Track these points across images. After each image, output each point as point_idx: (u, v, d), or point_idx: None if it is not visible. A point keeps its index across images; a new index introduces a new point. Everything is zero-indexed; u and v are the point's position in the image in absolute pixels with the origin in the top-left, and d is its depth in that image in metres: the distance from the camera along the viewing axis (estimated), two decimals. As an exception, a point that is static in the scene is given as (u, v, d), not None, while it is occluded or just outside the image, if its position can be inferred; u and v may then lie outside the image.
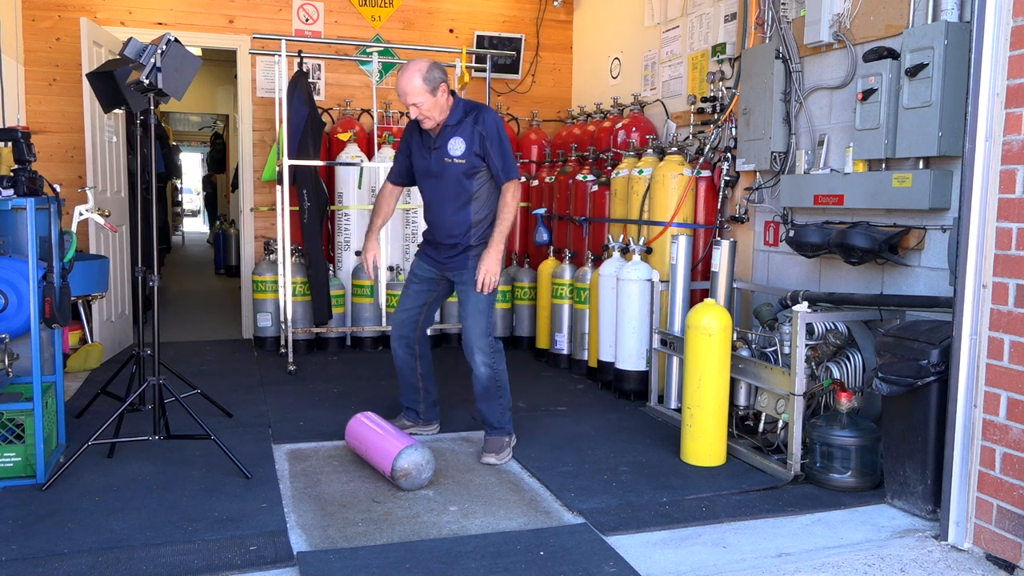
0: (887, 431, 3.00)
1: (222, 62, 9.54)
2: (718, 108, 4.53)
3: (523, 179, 6.08)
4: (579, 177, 5.34)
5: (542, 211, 5.33)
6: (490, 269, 3.42)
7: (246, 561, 2.48)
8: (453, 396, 4.35)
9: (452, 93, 3.48)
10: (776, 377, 3.29)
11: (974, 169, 2.59)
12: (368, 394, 4.46)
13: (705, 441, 3.40)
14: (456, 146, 3.44)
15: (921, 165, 3.20)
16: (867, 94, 3.31)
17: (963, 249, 2.63)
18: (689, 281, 4.17)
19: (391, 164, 3.78)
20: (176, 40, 3.27)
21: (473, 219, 3.50)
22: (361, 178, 5.68)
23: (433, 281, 3.70)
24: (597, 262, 4.88)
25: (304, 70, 5.42)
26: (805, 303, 3.30)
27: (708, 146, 4.51)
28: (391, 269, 5.67)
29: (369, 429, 3.36)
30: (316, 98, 5.83)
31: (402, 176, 3.70)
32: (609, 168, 5.17)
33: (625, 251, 4.50)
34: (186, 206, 20.19)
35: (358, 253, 5.74)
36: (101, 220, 3.82)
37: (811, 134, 3.84)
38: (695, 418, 3.40)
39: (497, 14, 6.58)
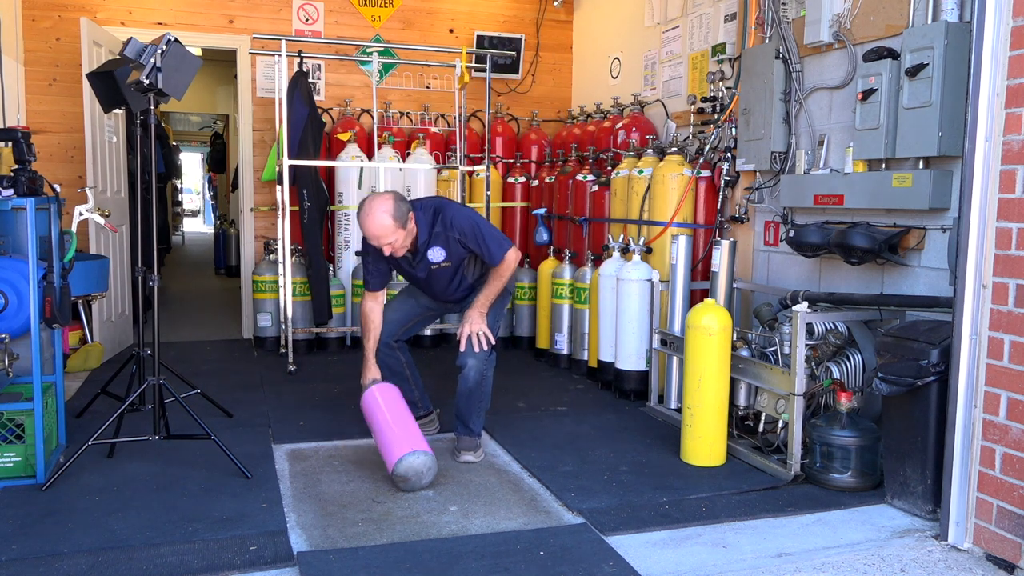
0: (887, 431, 3.00)
1: (222, 62, 9.53)
2: (718, 108, 4.53)
3: (522, 180, 6.09)
4: (579, 177, 5.34)
5: (542, 211, 5.33)
6: (474, 327, 3.38)
7: (246, 561, 2.48)
8: (453, 396, 4.35)
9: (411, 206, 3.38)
10: (776, 377, 3.29)
11: (974, 169, 2.59)
12: (368, 394, 4.46)
13: (705, 441, 3.40)
14: (437, 254, 3.43)
15: (921, 165, 3.20)
16: (867, 94, 3.31)
17: (963, 249, 2.63)
18: (689, 281, 4.17)
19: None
20: (176, 40, 3.27)
21: (473, 284, 3.57)
22: (361, 178, 5.68)
23: (431, 309, 3.76)
24: (597, 262, 4.87)
25: (304, 70, 5.43)
26: (805, 303, 3.30)
27: (708, 146, 4.51)
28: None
29: (380, 413, 3.30)
30: (316, 98, 5.83)
31: (384, 280, 3.61)
32: (609, 168, 5.17)
33: (625, 251, 4.50)
34: (186, 206, 20.19)
35: (358, 253, 5.74)
36: (101, 220, 3.82)
37: (811, 134, 3.84)
38: (695, 418, 3.40)
39: (497, 14, 6.58)
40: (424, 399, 3.85)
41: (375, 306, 3.60)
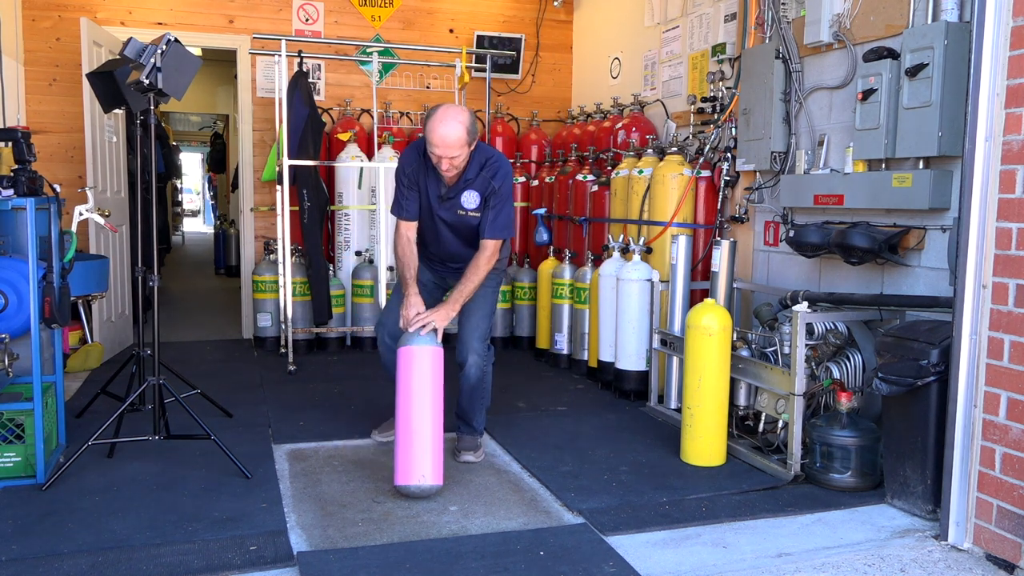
0: (887, 431, 3.00)
1: (222, 62, 9.53)
2: (718, 108, 4.53)
3: (522, 180, 6.09)
4: (579, 177, 5.34)
5: (542, 211, 5.33)
6: (435, 318, 3.20)
7: (246, 561, 2.48)
8: (453, 395, 4.35)
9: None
10: (776, 377, 3.29)
11: (974, 169, 2.59)
12: (368, 394, 4.46)
13: (705, 441, 3.40)
14: (471, 199, 3.34)
15: (921, 165, 3.20)
16: (867, 94, 3.31)
17: (963, 249, 2.63)
18: (689, 281, 4.17)
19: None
20: (176, 40, 3.27)
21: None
22: (361, 178, 5.69)
23: (436, 289, 3.69)
24: (597, 262, 4.88)
25: (304, 70, 5.42)
26: (805, 303, 3.30)
27: (708, 146, 4.51)
28: (391, 269, 5.67)
29: (408, 402, 3.08)
30: (316, 98, 5.83)
31: (415, 211, 3.46)
32: (609, 168, 5.17)
33: (625, 251, 4.50)
34: (186, 206, 20.20)
35: (358, 253, 5.75)
36: (101, 220, 3.82)
37: (811, 134, 3.84)
38: (695, 418, 3.40)
39: (497, 14, 6.58)
40: None
41: (412, 235, 3.45)
